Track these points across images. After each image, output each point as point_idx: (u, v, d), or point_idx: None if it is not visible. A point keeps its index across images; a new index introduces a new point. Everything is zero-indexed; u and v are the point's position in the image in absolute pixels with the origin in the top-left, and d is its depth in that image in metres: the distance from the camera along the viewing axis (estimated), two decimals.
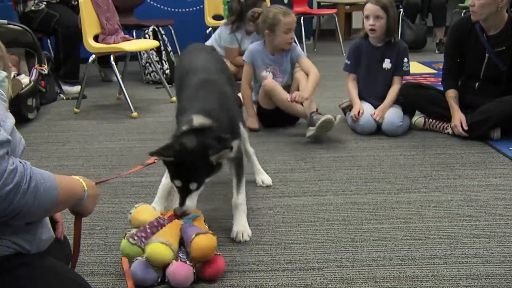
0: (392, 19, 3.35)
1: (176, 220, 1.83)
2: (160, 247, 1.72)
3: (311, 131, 3.15)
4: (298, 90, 3.28)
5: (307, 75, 3.34)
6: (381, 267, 1.84)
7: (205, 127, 1.81)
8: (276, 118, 3.45)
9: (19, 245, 1.29)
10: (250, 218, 2.22)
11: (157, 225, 1.81)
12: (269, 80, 3.35)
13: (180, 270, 1.71)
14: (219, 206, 2.31)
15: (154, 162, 1.82)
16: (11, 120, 1.25)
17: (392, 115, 3.31)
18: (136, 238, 1.77)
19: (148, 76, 5.09)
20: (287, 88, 3.41)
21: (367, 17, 3.37)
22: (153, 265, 1.73)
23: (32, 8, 4.49)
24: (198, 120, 1.83)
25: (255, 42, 3.57)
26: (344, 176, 2.67)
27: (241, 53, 4.97)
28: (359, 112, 3.32)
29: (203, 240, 1.73)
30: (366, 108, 3.37)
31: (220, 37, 5.01)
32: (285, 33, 3.31)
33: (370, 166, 2.80)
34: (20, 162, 1.16)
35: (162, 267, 1.74)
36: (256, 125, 3.43)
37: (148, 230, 1.79)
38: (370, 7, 3.36)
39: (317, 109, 3.22)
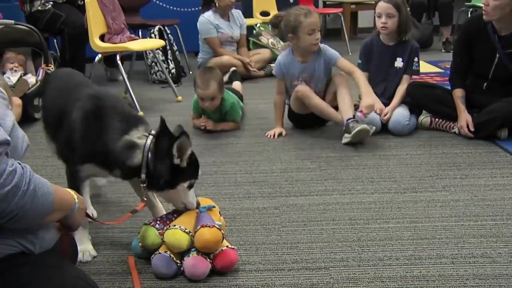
0: (404, 18, 3.34)
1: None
2: (178, 232, 1.76)
3: (346, 138, 3.08)
4: (334, 96, 3.21)
5: (349, 75, 3.25)
6: (387, 266, 1.83)
7: (163, 133, 1.79)
8: (308, 121, 3.41)
9: (23, 246, 1.29)
10: (256, 218, 2.22)
11: (176, 215, 1.87)
12: (302, 86, 3.27)
13: (200, 265, 1.75)
14: (225, 206, 2.31)
15: (144, 206, 1.88)
16: (11, 118, 1.25)
17: (398, 114, 3.30)
18: (157, 224, 1.84)
19: (154, 75, 5.10)
20: (321, 93, 3.33)
21: (379, 15, 3.36)
22: (172, 251, 1.77)
23: (39, 8, 4.50)
24: (150, 130, 1.81)
25: (283, 53, 3.40)
26: (350, 176, 2.66)
27: (221, 40, 5.02)
28: (382, 110, 3.28)
29: (206, 233, 1.75)
30: None
31: (199, 33, 5.02)
32: (309, 35, 3.17)
33: (376, 166, 2.79)
34: (20, 164, 1.16)
35: (180, 256, 1.79)
36: (278, 134, 3.34)
37: (167, 220, 1.85)
38: (382, 5, 3.35)
39: (353, 116, 3.11)
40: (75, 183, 1.85)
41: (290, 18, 3.20)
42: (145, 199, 1.94)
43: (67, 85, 2.02)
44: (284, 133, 3.35)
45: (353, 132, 3.01)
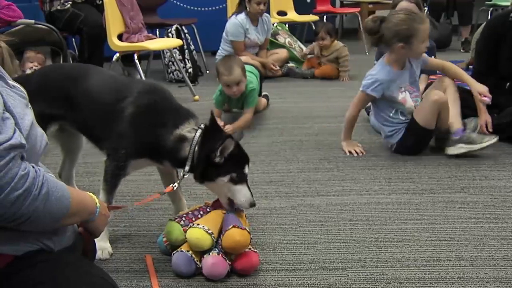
0: None
1: (220, 209, 1.90)
2: (200, 232, 1.76)
3: (463, 148, 2.80)
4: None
5: (441, 70, 3.09)
6: (405, 268, 1.81)
7: (211, 128, 1.83)
8: (422, 144, 2.97)
9: (43, 243, 1.29)
10: (273, 217, 2.22)
11: (202, 213, 1.90)
12: (440, 93, 2.86)
13: (220, 265, 1.75)
14: None
15: (172, 190, 1.88)
16: (29, 117, 1.25)
17: None
18: (182, 220, 1.85)
19: (171, 74, 5.12)
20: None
21: None
22: (193, 249, 1.78)
23: (58, 7, 4.55)
24: (198, 122, 1.85)
25: (378, 68, 2.95)
26: (368, 176, 2.64)
27: (246, 45, 5.03)
28: None
29: (236, 234, 1.75)
30: None
31: (226, 31, 5.03)
32: (423, 42, 2.80)
33: (393, 166, 2.77)
34: (33, 167, 1.15)
35: (200, 255, 1.79)
36: (354, 150, 2.97)
37: (192, 218, 1.87)
38: (408, 6, 3.32)
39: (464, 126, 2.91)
40: (117, 178, 1.88)
41: (402, 25, 2.76)
42: (175, 185, 1.92)
43: (104, 80, 2.01)
44: (360, 150, 2.98)
45: (483, 144, 2.77)
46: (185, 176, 1.84)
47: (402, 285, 1.72)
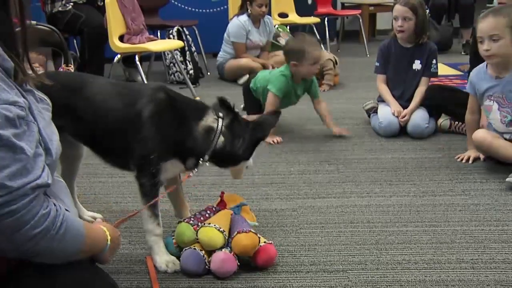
0: (421, 20, 3.31)
1: (227, 209, 1.93)
2: (212, 231, 1.78)
3: None
4: None
5: None
6: (406, 270, 1.81)
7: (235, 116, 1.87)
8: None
9: None
10: (274, 219, 2.22)
11: (210, 212, 1.91)
12: (481, 132, 2.70)
13: (229, 262, 1.76)
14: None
15: (189, 177, 1.89)
16: (56, 137, 1.24)
17: (418, 117, 3.27)
18: (191, 220, 1.86)
19: (172, 76, 5.13)
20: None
21: (396, 18, 3.34)
22: (205, 249, 1.78)
23: (60, 9, 4.56)
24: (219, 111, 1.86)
25: (479, 67, 2.79)
26: (369, 178, 2.64)
27: (248, 47, 5.02)
28: (400, 113, 3.28)
29: (243, 239, 1.77)
30: (388, 110, 3.34)
31: (228, 33, 5.03)
32: None
33: (395, 168, 2.77)
34: (55, 205, 1.15)
35: (210, 253, 1.80)
36: (473, 159, 2.81)
37: (201, 217, 1.88)
38: (398, 8, 3.32)
39: None
40: (156, 188, 1.79)
41: None
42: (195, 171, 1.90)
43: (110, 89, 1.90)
44: (482, 157, 2.80)
45: None
46: (206, 164, 1.84)
47: (403, 287, 1.72)
